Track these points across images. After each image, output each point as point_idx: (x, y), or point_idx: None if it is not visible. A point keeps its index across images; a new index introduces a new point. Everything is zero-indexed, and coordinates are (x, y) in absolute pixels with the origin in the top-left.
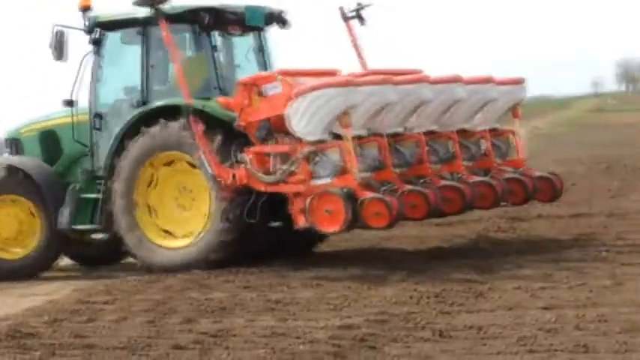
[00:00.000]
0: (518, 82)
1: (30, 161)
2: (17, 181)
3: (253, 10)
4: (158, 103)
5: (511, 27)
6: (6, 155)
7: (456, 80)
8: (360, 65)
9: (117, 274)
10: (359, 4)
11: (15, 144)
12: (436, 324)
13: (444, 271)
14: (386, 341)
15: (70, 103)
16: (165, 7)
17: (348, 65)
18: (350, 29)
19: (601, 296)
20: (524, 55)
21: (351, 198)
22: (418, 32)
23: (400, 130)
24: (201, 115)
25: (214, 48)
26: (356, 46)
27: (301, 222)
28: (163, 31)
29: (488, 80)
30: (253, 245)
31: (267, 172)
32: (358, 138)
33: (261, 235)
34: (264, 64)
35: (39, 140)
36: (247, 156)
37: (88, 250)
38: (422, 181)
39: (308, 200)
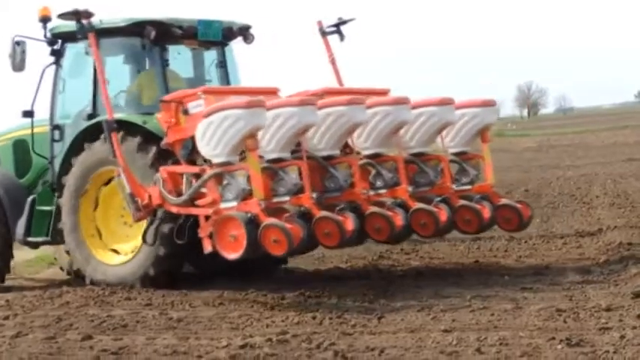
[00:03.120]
0: (488, 104)
1: None
2: None
3: (207, 24)
4: (99, 118)
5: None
6: None
7: (399, 102)
8: (337, 82)
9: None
10: (340, 19)
11: None
12: (338, 345)
13: (346, 293)
14: None
15: (29, 113)
16: (94, 21)
17: (325, 81)
18: (328, 45)
19: (502, 320)
20: (422, 77)
21: (253, 223)
22: (405, 51)
23: (335, 152)
24: (141, 131)
25: (165, 62)
26: (333, 63)
27: (208, 246)
28: (92, 45)
29: (445, 102)
30: (208, 262)
31: (180, 194)
32: (279, 161)
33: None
34: (226, 79)
35: (12, 150)
36: (161, 176)
37: None
38: (339, 208)
39: (213, 224)
